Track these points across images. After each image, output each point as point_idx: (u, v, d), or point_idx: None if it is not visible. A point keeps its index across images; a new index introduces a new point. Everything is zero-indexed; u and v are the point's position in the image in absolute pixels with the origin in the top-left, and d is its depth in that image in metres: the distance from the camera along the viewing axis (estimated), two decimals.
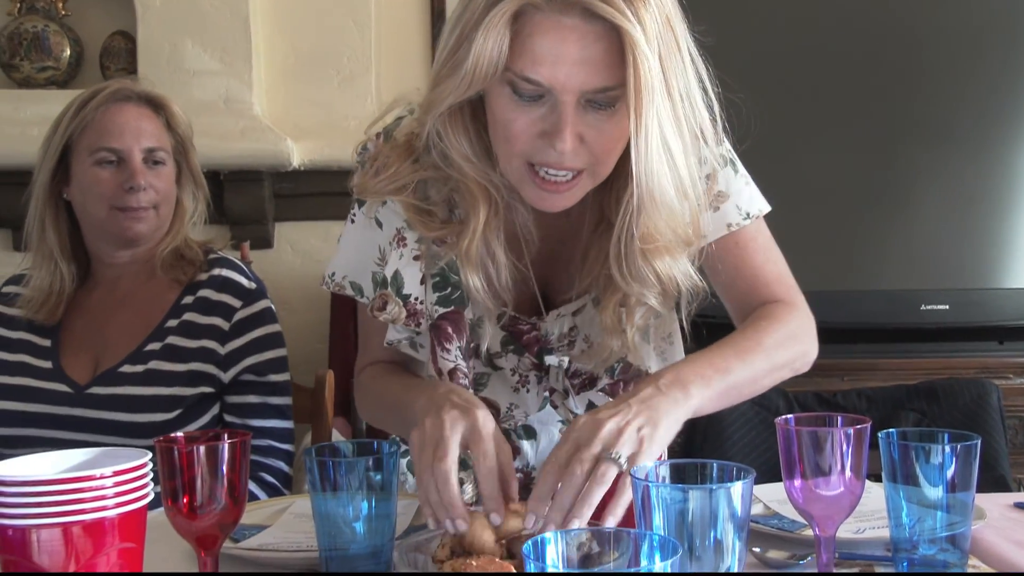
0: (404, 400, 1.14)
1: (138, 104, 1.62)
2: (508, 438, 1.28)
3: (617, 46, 0.98)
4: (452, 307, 1.17)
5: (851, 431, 0.95)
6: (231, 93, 2.87)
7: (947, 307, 2.72)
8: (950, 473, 0.97)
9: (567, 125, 1.00)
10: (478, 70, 0.99)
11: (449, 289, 1.18)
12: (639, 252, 1.08)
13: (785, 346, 1.17)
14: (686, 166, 1.05)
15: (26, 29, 2.87)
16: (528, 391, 1.26)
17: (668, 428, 0.99)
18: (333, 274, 1.26)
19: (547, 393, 1.26)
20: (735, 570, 0.76)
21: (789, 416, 0.98)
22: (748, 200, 1.22)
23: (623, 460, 0.92)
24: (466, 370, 1.19)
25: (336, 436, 2.40)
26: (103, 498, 0.75)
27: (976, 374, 2.68)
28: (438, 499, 0.96)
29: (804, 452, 0.95)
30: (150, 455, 0.81)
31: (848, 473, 0.95)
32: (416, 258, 1.18)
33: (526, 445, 1.29)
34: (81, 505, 0.74)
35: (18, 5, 2.92)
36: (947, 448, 0.97)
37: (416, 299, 1.18)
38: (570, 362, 1.23)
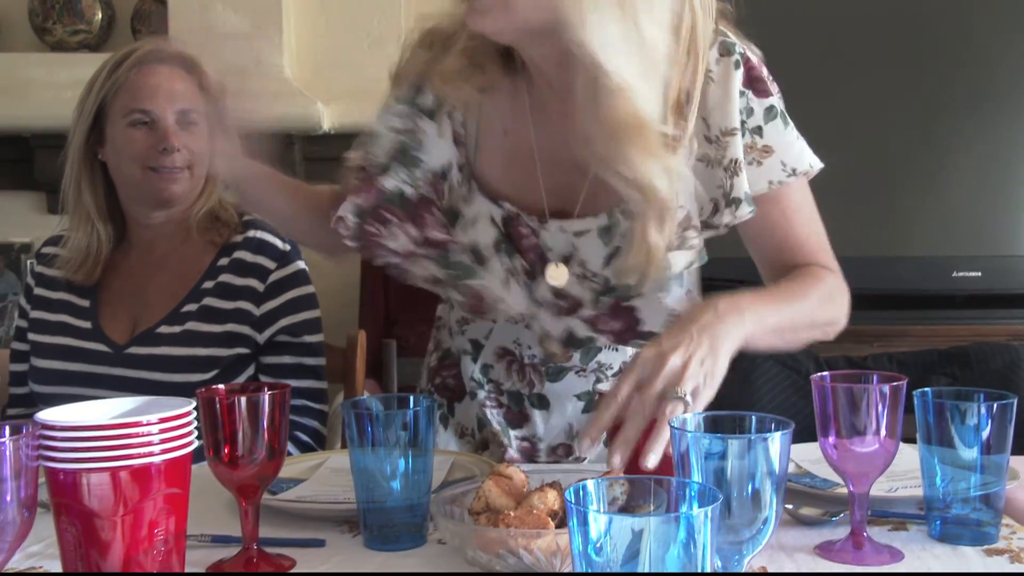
0: None
1: (171, 65, 1.63)
2: (520, 405, 1.29)
3: None
4: (370, 166, 1.20)
5: (887, 388, 0.95)
6: (262, 56, 2.87)
7: (979, 274, 2.70)
8: (985, 434, 0.97)
9: None
10: None
11: (374, 154, 1.21)
12: (605, 142, 1.05)
13: (825, 306, 1.17)
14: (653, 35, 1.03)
15: None
16: (515, 289, 1.22)
17: (726, 356, 0.99)
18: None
19: (534, 303, 1.22)
20: (772, 524, 0.77)
21: (825, 373, 0.98)
22: (796, 156, 1.17)
23: (688, 397, 0.93)
24: (351, 224, 1.21)
25: (367, 396, 2.42)
26: (149, 444, 0.76)
27: (1008, 341, 2.66)
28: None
29: (839, 409, 0.95)
30: (194, 403, 0.82)
31: (883, 430, 0.95)
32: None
33: (537, 415, 1.29)
34: (128, 451, 0.75)
35: None
36: (983, 408, 0.97)
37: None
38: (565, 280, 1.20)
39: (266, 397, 0.91)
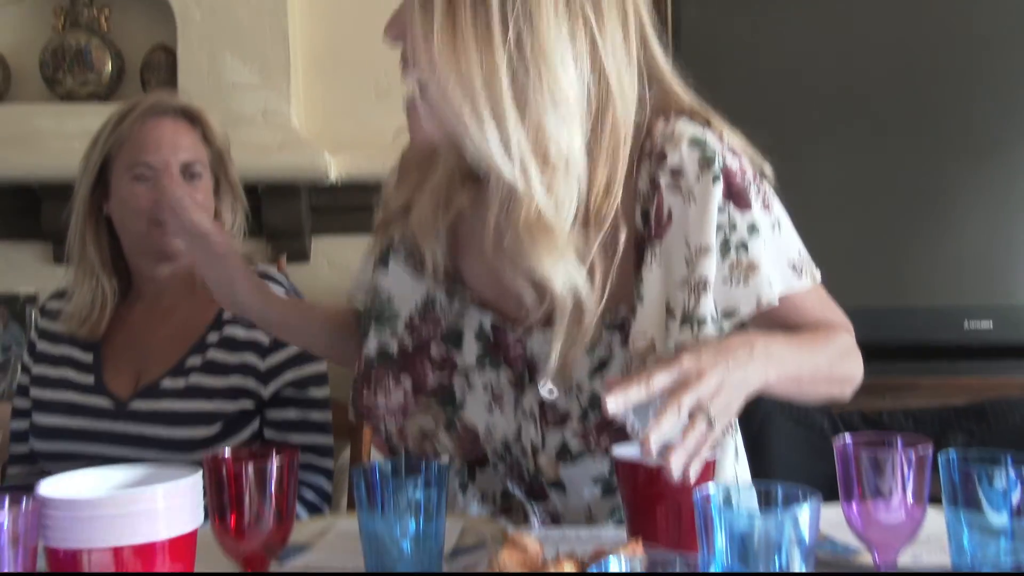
0: None
1: (174, 118, 1.63)
2: (539, 482, 1.21)
3: None
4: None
5: (912, 453, 0.92)
6: (269, 106, 2.87)
7: (991, 324, 2.68)
8: (1015, 497, 0.94)
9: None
10: None
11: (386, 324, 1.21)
12: (514, 243, 1.04)
13: (844, 361, 1.14)
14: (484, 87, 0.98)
15: (69, 44, 2.90)
16: (503, 412, 1.18)
17: (745, 397, 0.98)
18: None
19: (523, 417, 1.18)
20: None
21: (847, 437, 0.95)
22: (781, 277, 1.12)
23: (715, 422, 0.92)
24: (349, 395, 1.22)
25: (374, 454, 2.39)
26: (154, 520, 0.73)
27: (1021, 394, 2.62)
28: None
29: (863, 475, 0.93)
30: (200, 473, 0.79)
31: (910, 497, 0.92)
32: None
33: (555, 495, 1.20)
34: (132, 528, 0.72)
35: (62, 20, 2.95)
36: (1011, 471, 0.94)
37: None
38: (551, 393, 1.15)
39: (274, 463, 0.88)
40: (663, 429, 0.90)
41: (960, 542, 0.96)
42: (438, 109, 1.01)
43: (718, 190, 1.08)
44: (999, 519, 0.94)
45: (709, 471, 0.95)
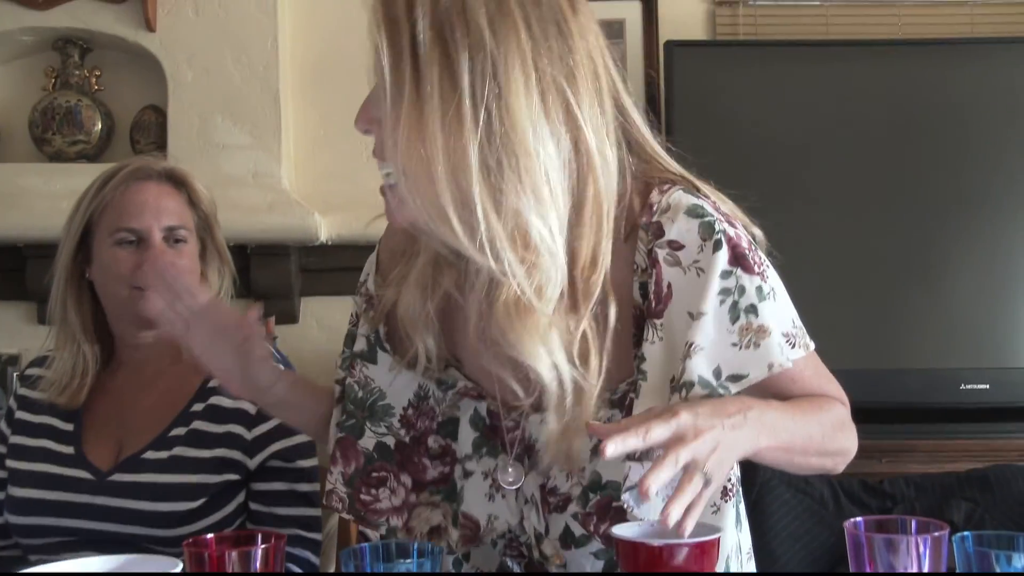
0: None
1: (159, 182, 1.60)
2: (541, 562, 1.17)
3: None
4: (345, 433, 1.17)
5: (928, 538, 0.89)
6: (259, 167, 2.86)
7: (987, 386, 2.65)
8: None
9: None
10: None
11: (344, 416, 1.18)
12: (493, 316, 1.02)
13: (837, 435, 1.11)
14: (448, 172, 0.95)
15: (59, 104, 2.89)
16: (504, 497, 1.15)
17: (736, 460, 0.98)
18: None
19: (524, 503, 1.14)
20: None
21: (858, 520, 0.92)
22: (780, 351, 1.07)
23: (711, 479, 0.93)
24: (343, 496, 1.17)
25: None
26: None
27: (1018, 456, 2.59)
28: None
29: (877, 559, 0.89)
30: (180, 566, 0.75)
31: None
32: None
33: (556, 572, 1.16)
34: None
35: (53, 80, 2.94)
36: None
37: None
38: (549, 478, 1.12)
39: (259, 552, 0.84)
40: (661, 478, 0.89)
41: None
42: (408, 199, 0.98)
43: (722, 256, 1.05)
44: None
45: (713, 550, 0.91)
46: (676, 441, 0.91)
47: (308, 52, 2.94)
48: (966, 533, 0.93)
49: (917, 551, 0.88)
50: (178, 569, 0.74)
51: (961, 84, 2.72)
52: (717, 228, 1.06)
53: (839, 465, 1.14)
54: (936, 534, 0.89)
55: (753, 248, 1.09)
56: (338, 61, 2.94)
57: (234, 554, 0.83)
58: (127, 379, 1.60)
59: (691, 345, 1.04)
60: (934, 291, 2.67)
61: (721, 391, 1.04)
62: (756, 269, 1.07)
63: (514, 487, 1.13)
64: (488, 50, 0.95)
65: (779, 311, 1.09)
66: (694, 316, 1.04)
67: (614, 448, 0.89)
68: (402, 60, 0.96)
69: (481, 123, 0.94)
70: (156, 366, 1.59)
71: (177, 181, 1.61)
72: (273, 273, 2.85)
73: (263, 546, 0.84)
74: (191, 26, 2.85)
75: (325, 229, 2.85)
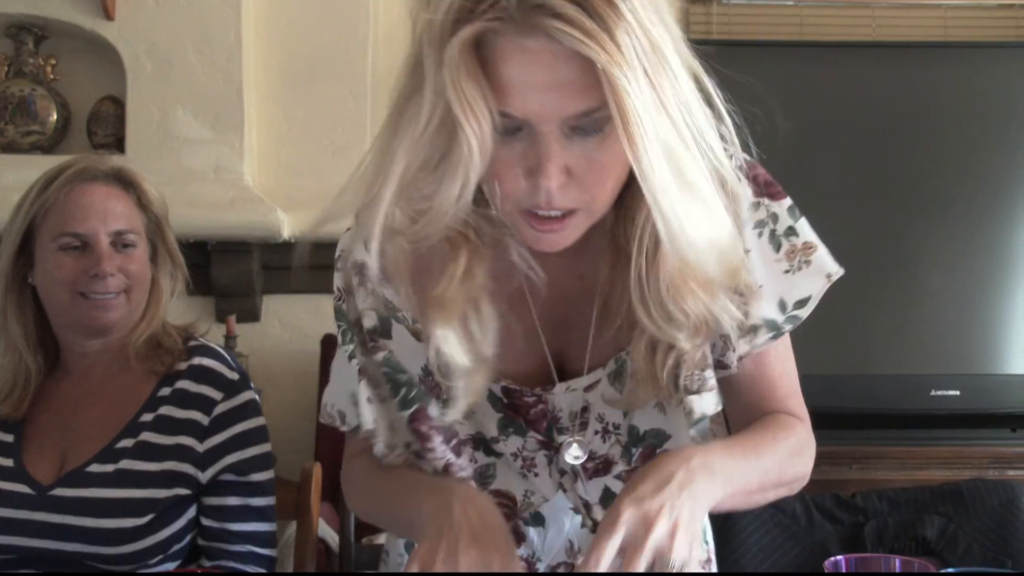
0: (406, 503, 1.03)
1: (106, 183, 1.51)
2: (513, 523, 1.16)
3: (593, 63, 0.84)
4: (415, 406, 1.07)
5: None
6: (221, 162, 2.79)
7: (958, 393, 2.65)
8: None
9: (549, 159, 0.87)
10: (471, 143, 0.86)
11: (403, 390, 1.08)
12: (665, 289, 0.95)
13: (794, 462, 1.07)
14: (705, 185, 0.91)
15: (12, 93, 2.80)
16: (538, 475, 1.12)
17: (701, 520, 0.90)
18: (326, 404, 1.16)
19: (560, 476, 1.12)
20: None
21: (839, 558, 0.87)
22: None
23: (683, 566, 0.84)
24: (462, 463, 1.08)
25: (323, 526, 2.27)
26: None
27: (989, 463, 2.58)
28: None
29: None
30: None
31: None
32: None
33: (532, 533, 1.16)
34: None
35: (6, 68, 2.85)
36: None
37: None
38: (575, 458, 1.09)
39: None
40: None
41: None
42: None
43: (746, 190, 1.05)
44: None
45: None
46: (631, 551, 0.84)
47: (272, 45, 2.87)
48: (954, 571, 0.89)
49: None
50: None
51: (934, 88, 2.71)
52: (734, 160, 1.02)
53: (795, 489, 1.10)
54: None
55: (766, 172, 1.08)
56: (303, 55, 2.87)
57: None
58: (72, 388, 1.52)
59: (747, 285, 1.03)
60: (905, 297, 2.66)
61: (788, 325, 1.05)
62: (781, 190, 1.07)
63: (579, 461, 1.09)
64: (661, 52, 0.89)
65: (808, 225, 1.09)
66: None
67: None
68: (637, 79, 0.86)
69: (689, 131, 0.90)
70: (103, 374, 1.52)
71: (125, 182, 1.52)
72: (234, 270, 2.79)
73: None
74: (151, 15, 2.77)
75: (288, 226, 2.78)
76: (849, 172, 2.62)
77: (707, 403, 1.05)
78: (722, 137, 0.96)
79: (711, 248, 0.93)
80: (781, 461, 1.03)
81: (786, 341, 1.12)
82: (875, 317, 2.68)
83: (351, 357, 1.11)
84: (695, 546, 0.86)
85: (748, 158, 1.06)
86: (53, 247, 1.47)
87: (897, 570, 0.85)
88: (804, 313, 1.07)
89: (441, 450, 1.07)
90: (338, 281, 1.14)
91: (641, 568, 0.83)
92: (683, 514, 0.86)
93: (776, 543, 1.79)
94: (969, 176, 2.67)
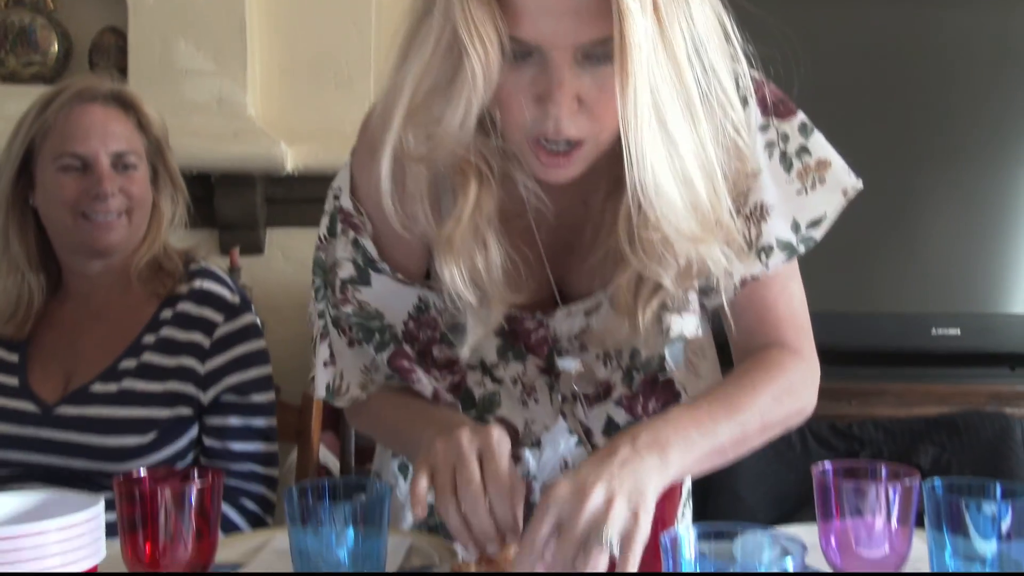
0: (408, 427, 1.04)
1: (105, 104, 1.51)
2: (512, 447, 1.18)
3: None
4: (391, 348, 1.09)
5: (899, 486, 0.85)
6: (224, 94, 2.77)
7: (958, 331, 2.64)
8: (1005, 527, 0.87)
9: (560, 86, 0.85)
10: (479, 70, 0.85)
11: (376, 336, 1.09)
12: (653, 229, 0.93)
13: (781, 402, 1.04)
14: (695, 146, 0.89)
15: (12, 22, 2.77)
16: (538, 401, 1.13)
17: (653, 495, 0.86)
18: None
19: (561, 402, 1.13)
20: None
21: (826, 464, 0.88)
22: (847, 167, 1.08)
23: (615, 543, 0.80)
24: (447, 395, 1.10)
25: (324, 453, 2.30)
26: (45, 555, 0.64)
27: (987, 401, 2.59)
28: (461, 523, 0.87)
29: (844, 505, 0.85)
30: (101, 504, 0.70)
31: (894, 532, 0.85)
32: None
33: (528, 454, 1.17)
34: (20, 565, 0.63)
35: None
36: (1002, 503, 0.87)
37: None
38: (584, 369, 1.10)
39: (194, 489, 0.79)
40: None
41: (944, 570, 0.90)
42: (638, 159, 0.87)
43: (753, 112, 1.03)
44: (985, 547, 0.88)
45: (672, 504, 0.87)
46: (565, 523, 0.82)
47: None
48: (936, 480, 0.90)
49: (886, 498, 0.85)
50: (99, 506, 0.69)
51: (943, 29, 2.66)
52: (740, 84, 0.99)
53: (795, 424, 1.08)
54: (906, 481, 0.85)
55: (777, 88, 1.07)
56: None
57: (167, 492, 0.78)
58: (75, 310, 1.53)
59: (760, 205, 1.02)
60: (907, 235, 2.65)
61: (803, 246, 1.04)
62: (791, 108, 1.06)
63: (573, 368, 1.09)
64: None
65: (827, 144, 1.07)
66: (748, 177, 1.02)
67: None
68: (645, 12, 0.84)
69: (697, 71, 0.88)
70: (105, 296, 1.53)
71: (125, 103, 1.52)
72: (238, 203, 2.78)
73: (198, 485, 0.79)
74: None
75: (292, 159, 2.77)
76: (854, 112, 2.60)
77: (687, 324, 1.04)
78: (736, 79, 0.95)
79: (682, 202, 0.90)
80: (762, 409, 1.00)
81: (792, 269, 1.10)
82: (877, 255, 2.67)
83: (320, 316, 1.13)
84: (642, 523, 0.83)
85: (756, 76, 1.04)
86: (53, 168, 1.47)
87: (883, 479, 0.86)
88: (819, 233, 1.05)
89: (426, 381, 1.08)
90: (323, 225, 1.14)
91: (574, 543, 0.81)
92: (622, 486, 0.84)
93: (771, 469, 1.81)
94: (976, 116, 2.64)
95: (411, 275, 1.10)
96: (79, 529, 0.65)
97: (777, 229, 1.03)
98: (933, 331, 2.63)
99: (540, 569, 0.81)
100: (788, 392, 1.04)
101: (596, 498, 0.82)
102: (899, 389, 2.59)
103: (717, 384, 1.05)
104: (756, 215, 1.03)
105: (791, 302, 1.10)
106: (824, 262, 2.61)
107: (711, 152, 0.91)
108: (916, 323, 2.62)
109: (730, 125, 0.94)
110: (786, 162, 1.05)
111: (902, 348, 2.65)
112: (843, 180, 1.07)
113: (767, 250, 1.03)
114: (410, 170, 0.98)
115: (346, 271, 1.10)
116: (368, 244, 1.08)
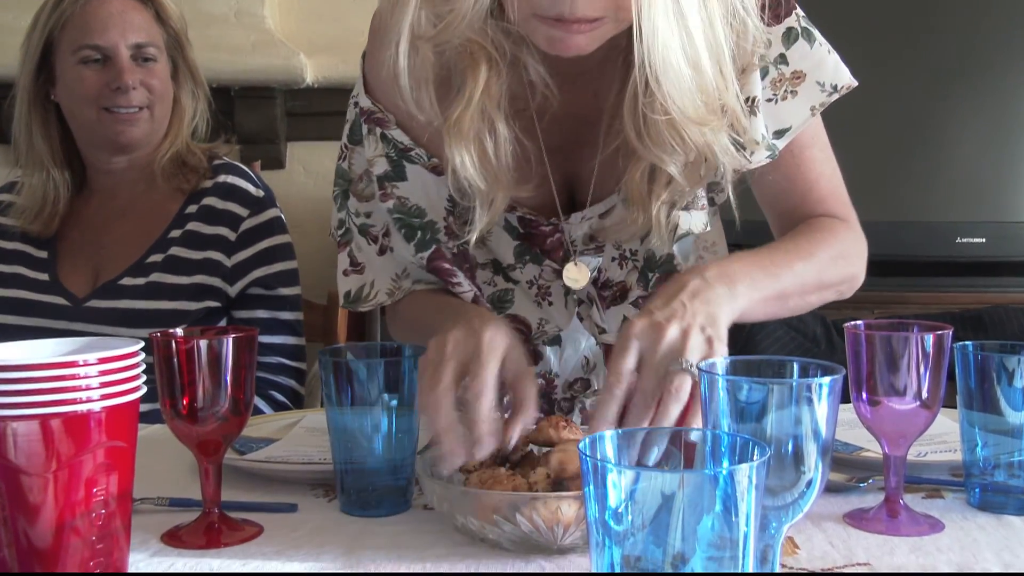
0: (434, 325, 1.05)
1: None
2: (531, 343, 1.18)
3: None
4: (432, 247, 1.08)
5: (931, 337, 0.85)
6: (242, 5, 2.74)
7: (983, 240, 2.63)
8: None
9: None
10: None
11: (419, 234, 1.08)
12: (663, 113, 0.91)
13: (837, 264, 1.06)
14: (704, 25, 0.87)
15: None
16: (552, 304, 1.13)
17: (725, 323, 0.87)
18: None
19: (577, 304, 1.13)
20: (816, 487, 0.66)
21: (859, 321, 0.88)
22: (833, 72, 1.05)
23: (695, 368, 0.80)
24: (485, 301, 1.10)
25: None
26: (87, 388, 0.65)
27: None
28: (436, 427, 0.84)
29: (877, 361, 0.85)
30: (142, 343, 0.71)
31: (926, 386, 0.85)
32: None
33: (549, 352, 1.19)
34: (62, 395, 0.64)
35: None
36: None
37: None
38: (600, 271, 1.11)
39: (230, 341, 0.80)
40: (608, 419, 0.81)
41: (973, 437, 0.90)
42: (649, 36, 0.85)
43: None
44: (1016, 417, 0.88)
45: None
46: (646, 358, 0.82)
47: None
48: (967, 342, 0.90)
49: (919, 345, 0.85)
50: (139, 344, 0.69)
51: None
52: None
53: (846, 292, 1.09)
54: (939, 332, 0.85)
55: None
56: None
57: (204, 344, 0.79)
58: (101, 206, 1.54)
59: (752, 100, 1.01)
60: (933, 144, 2.62)
61: (768, 152, 1.03)
62: (782, 13, 1.03)
63: (588, 270, 1.09)
64: None
65: (815, 52, 1.05)
66: (743, 70, 1.00)
67: (600, 425, 0.82)
68: None
69: None
70: (130, 192, 1.53)
71: None
72: (258, 117, 2.77)
73: (235, 337, 0.80)
74: None
75: (311, 71, 2.75)
76: (879, 23, 2.55)
77: (695, 220, 1.04)
78: None
79: (688, 81, 0.88)
80: (820, 265, 1.02)
81: (822, 137, 1.10)
82: (903, 164, 2.64)
83: (340, 225, 1.13)
84: (718, 350, 0.83)
85: None
86: (73, 60, 1.46)
87: (915, 333, 0.86)
88: (781, 144, 1.04)
89: (467, 284, 1.08)
90: (344, 134, 1.14)
91: (657, 371, 0.81)
92: (696, 318, 0.84)
93: None
94: (1001, 28, 2.59)
95: (444, 162, 1.09)
96: (123, 361, 0.66)
97: (760, 126, 1.02)
98: (958, 240, 2.61)
99: (648, 415, 0.81)
100: (843, 256, 1.06)
101: (673, 330, 0.83)
102: (922, 298, 2.58)
103: (778, 241, 1.05)
104: (748, 108, 1.00)
105: (832, 179, 1.11)
106: (850, 172, 2.59)
107: (719, 31, 0.90)
108: (940, 232, 2.61)
109: (740, 4, 0.93)
110: (764, 70, 1.03)
111: (926, 257, 2.63)
112: (813, 95, 1.04)
113: (751, 143, 1.01)
114: (417, 57, 0.96)
115: (380, 167, 1.09)
116: (396, 133, 1.08)
